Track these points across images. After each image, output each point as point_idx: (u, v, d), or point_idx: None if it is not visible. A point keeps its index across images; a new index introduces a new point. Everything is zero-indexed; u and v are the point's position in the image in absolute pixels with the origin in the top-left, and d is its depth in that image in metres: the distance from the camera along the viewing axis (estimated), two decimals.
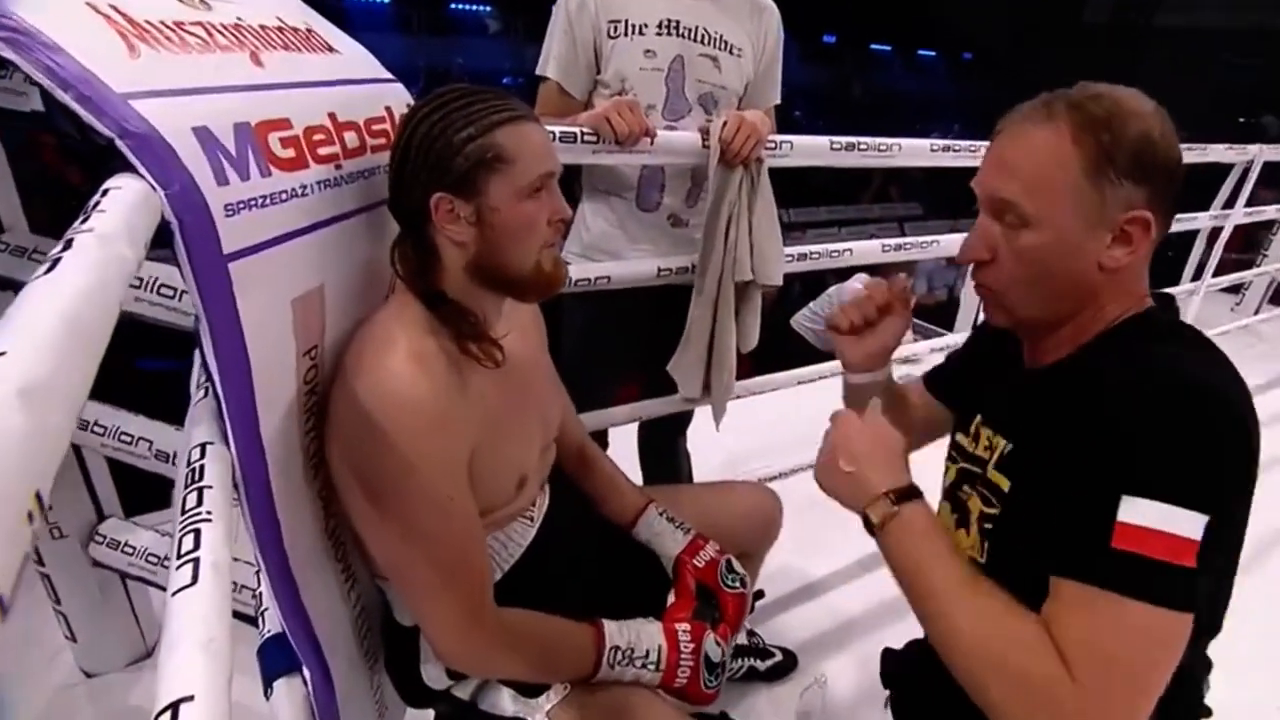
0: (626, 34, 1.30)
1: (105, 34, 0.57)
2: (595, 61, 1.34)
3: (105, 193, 0.52)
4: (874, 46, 15.99)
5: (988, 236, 0.72)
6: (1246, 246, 4.10)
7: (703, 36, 1.33)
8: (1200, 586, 0.58)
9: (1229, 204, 2.87)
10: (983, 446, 0.82)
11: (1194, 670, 0.77)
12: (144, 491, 1.47)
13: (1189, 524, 0.57)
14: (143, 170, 0.55)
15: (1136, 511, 0.58)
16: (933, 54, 16.55)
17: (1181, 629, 0.59)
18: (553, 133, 1.18)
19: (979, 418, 0.85)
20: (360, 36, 0.96)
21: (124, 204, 0.52)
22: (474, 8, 12.50)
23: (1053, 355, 0.76)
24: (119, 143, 0.55)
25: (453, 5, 12.40)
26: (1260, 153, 2.76)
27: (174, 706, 0.41)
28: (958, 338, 2.39)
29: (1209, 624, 0.72)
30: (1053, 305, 0.73)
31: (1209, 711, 0.80)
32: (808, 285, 4.53)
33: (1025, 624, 0.62)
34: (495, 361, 0.81)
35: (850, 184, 7.99)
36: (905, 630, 0.91)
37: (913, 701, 0.94)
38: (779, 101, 1.51)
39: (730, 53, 1.36)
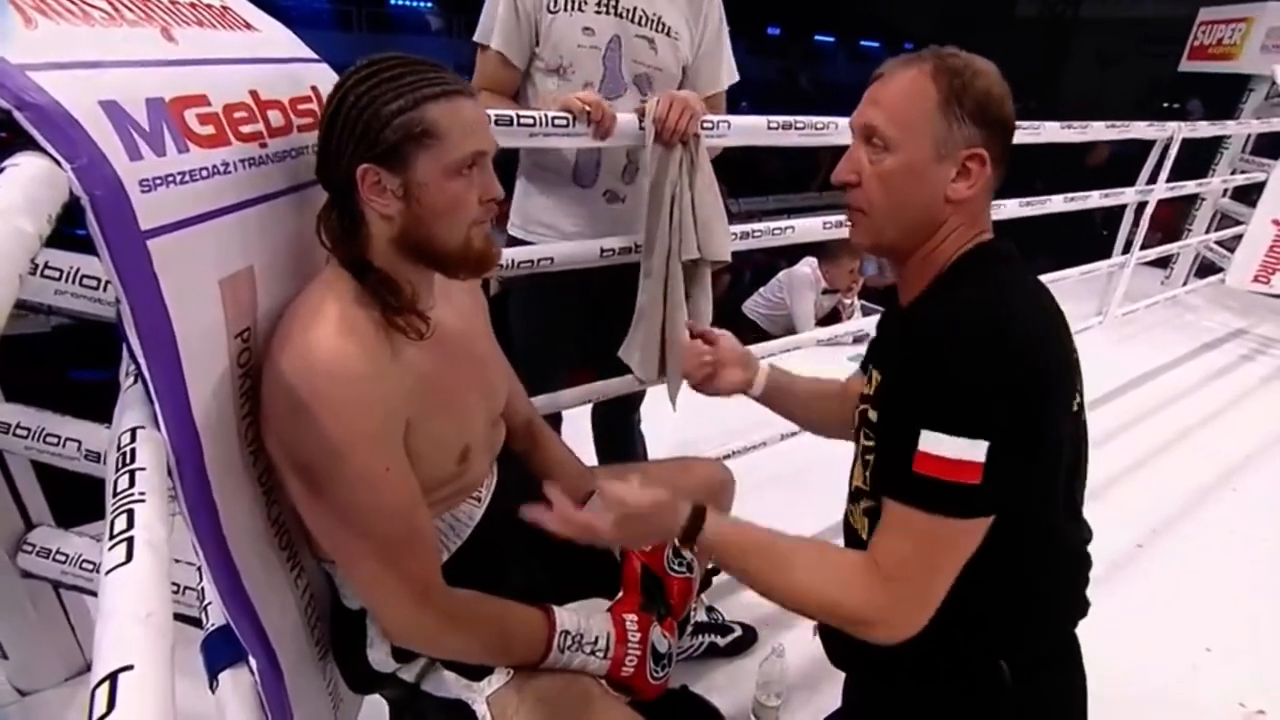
0: (566, 9, 1.31)
1: None
2: (535, 35, 1.34)
3: (1, 170, 0.50)
4: (818, 38, 16.25)
5: (855, 162, 0.82)
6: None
7: (640, 17, 1.34)
8: (987, 496, 0.70)
9: (1152, 180, 3.00)
10: (872, 386, 0.91)
11: (1069, 568, 0.87)
12: (82, 505, 1.41)
13: (970, 450, 0.69)
14: (45, 144, 0.53)
15: (930, 441, 0.70)
16: (875, 44, 16.89)
17: (963, 534, 0.73)
18: (510, 116, 1.19)
19: (874, 369, 0.94)
20: (297, 33, 0.94)
21: (22, 178, 0.50)
22: (415, 4, 12.28)
23: (910, 294, 0.86)
24: (17, 115, 0.53)
25: (393, 2, 12.17)
26: (1179, 129, 2.89)
27: (112, 677, 0.39)
28: None
29: (1051, 520, 0.83)
30: (907, 229, 0.82)
31: (1087, 604, 0.89)
32: (758, 272, 4.59)
33: (838, 558, 0.79)
34: (419, 333, 0.80)
35: (798, 173, 8.10)
36: None
37: (841, 646, 1.00)
38: (726, 85, 1.51)
39: (667, 35, 1.37)
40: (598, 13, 1.32)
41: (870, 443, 0.85)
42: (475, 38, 1.36)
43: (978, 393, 0.69)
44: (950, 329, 0.72)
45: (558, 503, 0.79)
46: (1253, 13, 4.24)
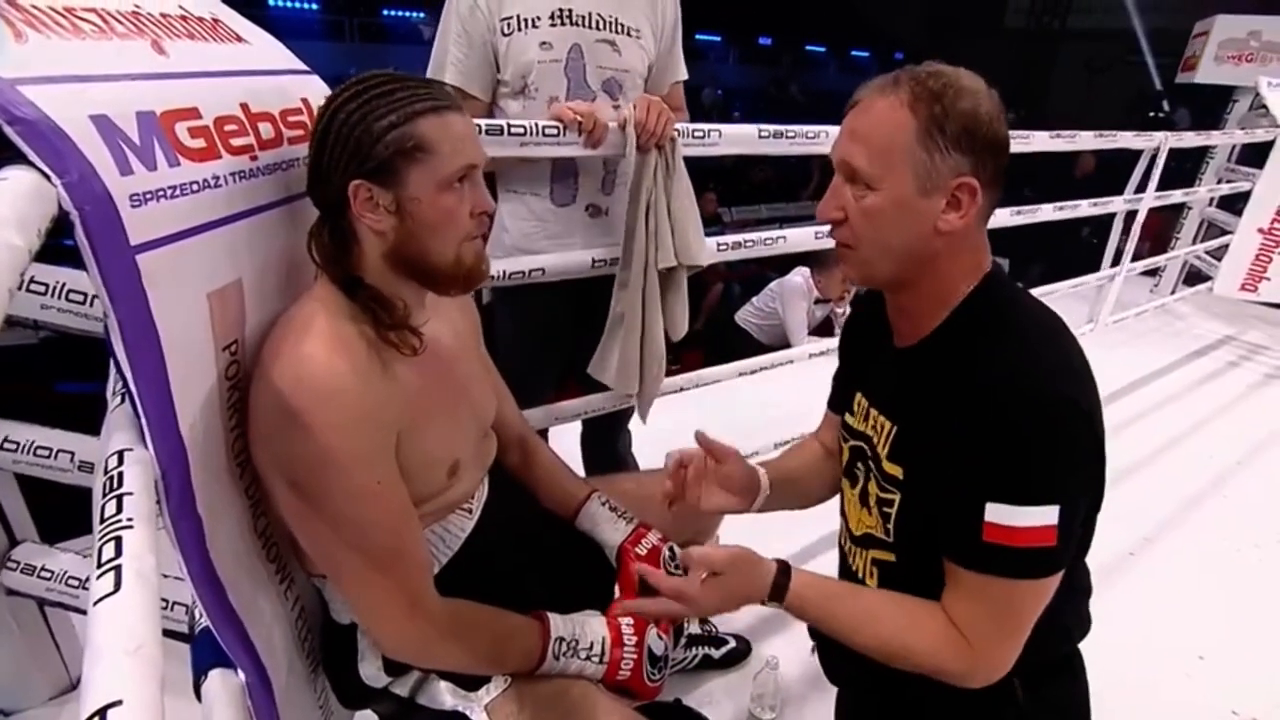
0: (520, 29, 1.30)
1: None
2: (494, 61, 1.33)
3: None
4: (809, 47, 16.38)
5: (839, 198, 0.78)
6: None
7: (597, 22, 1.33)
8: (1062, 552, 0.71)
9: (1140, 189, 3.03)
10: (870, 425, 0.88)
11: (1073, 595, 0.87)
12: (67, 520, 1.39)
13: (1042, 516, 0.70)
14: (35, 158, 0.53)
15: (999, 513, 0.70)
16: (865, 54, 17.05)
17: (1043, 588, 0.74)
18: (501, 126, 1.20)
19: (859, 395, 0.92)
20: (289, 44, 0.94)
21: (12, 193, 0.50)
22: (408, 14, 12.32)
23: (917, 333, 0.82)
24: (7, 129, 0.52)
25: (386, 12, 12.21)
26: (1165, 140, 2.92)
27: (102, 713, 0.39)
28: None
29: (1078, 555, 0.86)
30: (898, 264, 0.78)
31: (1089, 621, 0.91)
32: (748, 283, 4.61)
33: (923, 616, 0.78)
34: (413, 349, 0.80)
35: (790, 182, 8.15)
36: None
37: (834, 650, 0.98)
38: (686, 77, 1.52)
39: (628, 34, 1.36)
40: (552, 25, 1.30)
41: (890, 495, 0.83)
42: (428, 73, 1.34)
43: (1051, 466, 0.69)
44: (1014, 400, 0.69)
45: (649, 574, 0.81)
46: (1209, 26, 4.36)
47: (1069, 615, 0.86)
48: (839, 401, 1.05)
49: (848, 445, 0.94)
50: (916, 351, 0.82)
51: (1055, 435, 0.69)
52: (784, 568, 0.82)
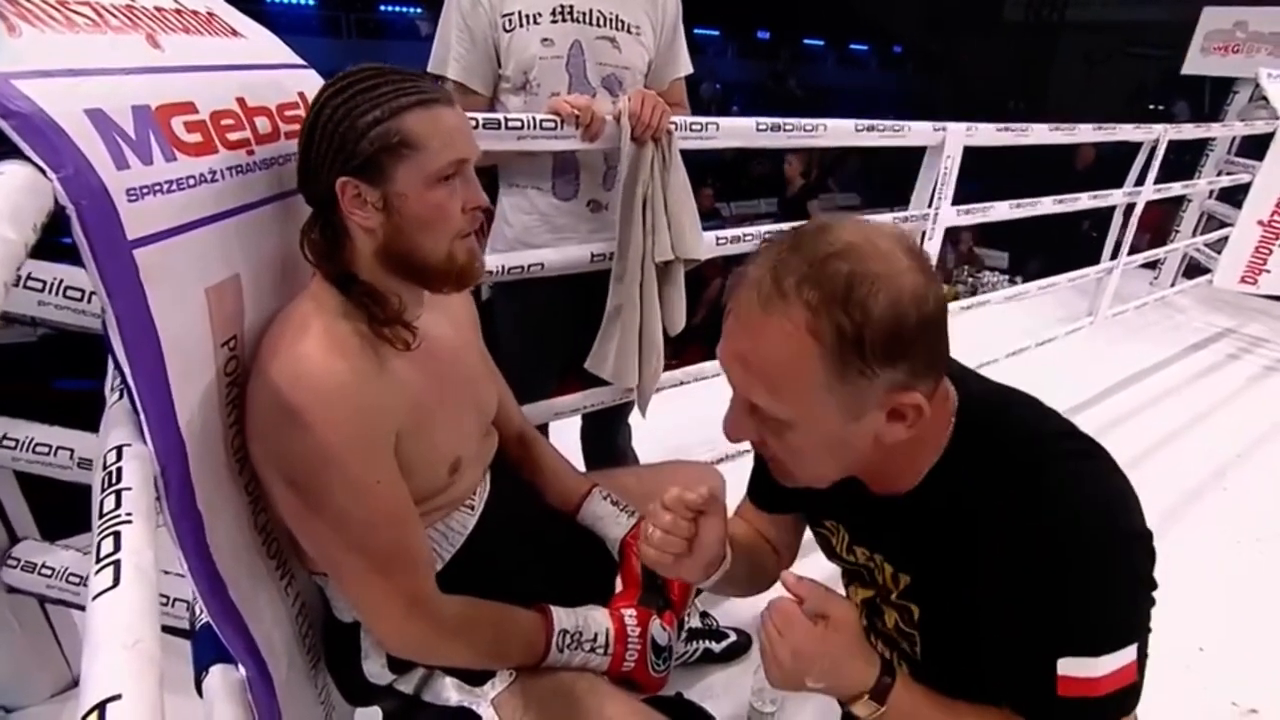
0: (522, 25, 1.30)
1: None
2: (496, 56, 1.33)
3: None
4: (807, 41, 16.36)
5: (746, 430, 0.65)
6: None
7: (598, 19, 1.33)
8: (1142, 682, 0.63)
9: (1139, 182, 3.03)
10: (862, 560, 0.81)
11: None
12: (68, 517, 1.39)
13: (1121, 659, 0.61)
14: (30, 152, 0.53)
15: (1075, 666, 0.61)
16: (864, 47, 17.02)
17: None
18: (499, 120, 1.20)
19: (831, 522, 0.85)
20: (285, 40, 0.94)
21: (6, 187, 0.50)
22: (404, 9, 12.29)
23: (899, 486, 0.71)
24: (2, 124, 0.52)
25: (383, 8, 12.18)
26: (1165, 132, 2.91)
27: (100, 707, 0.39)
28: None
29: None
30: (845, 472, 0.68)
31: None
32: None
33: None
34: (406, 344, 0.79)
35: (789, 176, 8.12)
36: None
37: None
38: (689, 72, 1.52)
39: (628, 31, 1.37)
40: (554, 22, 1.30)
41: (909, 631, 0.78)
42: (429, 68, 1.34)
43: (1131, 610, 0.62)
44: (1080, 542, 0.60)
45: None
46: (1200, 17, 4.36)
47: None
48: (775, 502, 0.94)
49: (834, 563, 0.88)
50: (912, 500, 0.71)
51: (1131, 575, 0.61)
52: (887, 665, 0.68)
